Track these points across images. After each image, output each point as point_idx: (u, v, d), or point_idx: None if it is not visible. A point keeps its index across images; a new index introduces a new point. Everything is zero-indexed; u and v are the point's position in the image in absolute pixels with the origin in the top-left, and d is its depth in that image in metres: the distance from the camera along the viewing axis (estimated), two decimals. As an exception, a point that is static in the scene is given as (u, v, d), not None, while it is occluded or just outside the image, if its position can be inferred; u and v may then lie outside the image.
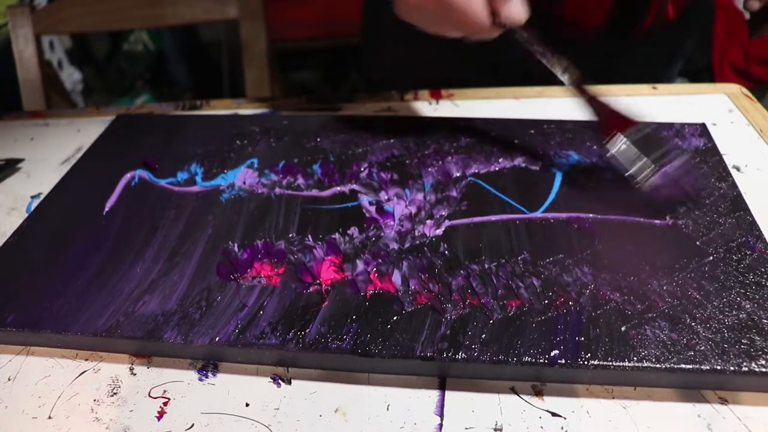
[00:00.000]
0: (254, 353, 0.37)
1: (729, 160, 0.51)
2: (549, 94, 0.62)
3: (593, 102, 0.47)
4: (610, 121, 0.46)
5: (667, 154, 0.44)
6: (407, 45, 0.69)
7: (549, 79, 0.47)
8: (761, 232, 0.42)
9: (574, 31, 0.65)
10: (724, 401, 0.34)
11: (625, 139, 0.45)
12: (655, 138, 0.45)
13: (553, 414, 0.34)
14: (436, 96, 0.63)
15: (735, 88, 0.61)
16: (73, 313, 0.39)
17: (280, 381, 0.36)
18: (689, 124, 0.53)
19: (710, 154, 0.50)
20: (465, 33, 0.43)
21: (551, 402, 0.34)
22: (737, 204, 0.44)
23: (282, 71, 1.75)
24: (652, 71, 0.70)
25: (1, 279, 0.42)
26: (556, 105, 0.60)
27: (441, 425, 0.33)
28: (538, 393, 0.35)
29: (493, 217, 0.44)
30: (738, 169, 0.50)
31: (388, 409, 0.35)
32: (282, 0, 1.62)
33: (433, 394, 0.35)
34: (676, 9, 0.63)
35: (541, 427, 0.33)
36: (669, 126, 0.53)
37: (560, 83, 0.47)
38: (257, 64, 0.98)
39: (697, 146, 0.51)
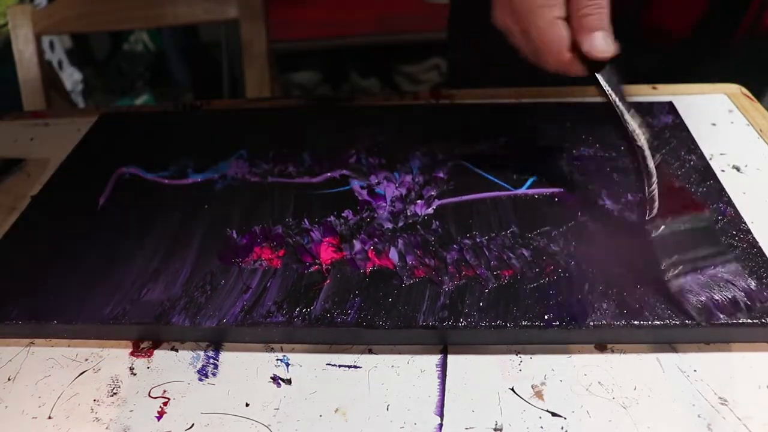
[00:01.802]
0: (262, 331, 0.38)
1: (729, 160, 0.51)
2: (549, 94, 0.62)
3: (659, 172, 0.39)
4: (667, 200, 0.39)
5: (712, 257, 0.37)
6: (494, 40, 0.68)
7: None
8: (730, 198, 0.45)
9: (658, 37, 0.62)
10: (724, 401, 0.34)
11: (671, 226, 0.38)
12: (708, 234, 0.39)
13: (553, 414, 0.34)
14: (436, 96, 0.63)
15: (735, 88, 0.61)
16: (79, 304, 0.39)
17: (280, 381, 0.36)
18: (657, 102, 0.56)
19: (679, 129, 0.53)
20: (545, 63, 0.39)
21: (551, 402, 0.34)
22: (707, 174, 0.47)
23: (282, 71, 1.75)
24: (747, 83, 0.65)
25: (2, 274, 0.43)
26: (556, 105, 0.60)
27: (441, 425, 0.33)
28: (538, 393, 0.35)
29: (481, 195, 0.46)
30: (738, 169, 0.50)
31: (388, 409, 0.35)
32: (282, 0, 1.62)
33: (433, 394, 0.35)
34: None
35: (541, 427, 0.33)
36: (638, 104, 0.55)
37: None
38: (257, 64, 0.98)
39: (666, 123, 0.54)
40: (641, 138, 0.39)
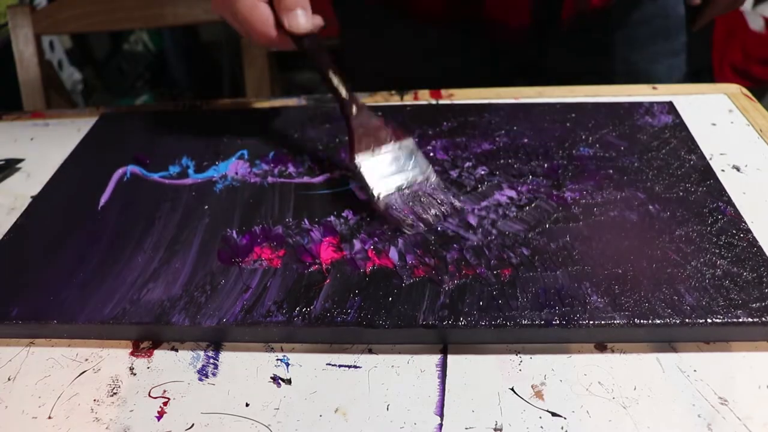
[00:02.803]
0: (262, 331, 0.38)
1: (729, 160, 0.51)
2: (549, 94, 0.62)
3: (362, 115, 0.46)
4: (370, 136, 0.45)
5: (414, 176, 0.44)
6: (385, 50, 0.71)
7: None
8: (730, 198, 0.45)
9: (501, 31, 0.66)
10: (724, 401, 0.34)
11: (375, 156, 0.45)
12: (410, 157, 0.45)
13: (553, 414, 0.34)
14: (436, 96, 0.63)
15: (735, 88, 0.61)
16: (79, 304, 0.39)
17: (280, 381, 0.36)
18: (658, 102, 0.56)
19: (678, 129, 0.53)
20: (257, 42, 0.44)
21: (551, 402, 0.34)
22: (707, 174, 0.47)
23: (282, 71, 1.75)
24: (621, 62, 0.70)
25: (2, 274, 0.43)
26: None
27: (441, 425, 0.33)
28: (538, 393, 0.35)
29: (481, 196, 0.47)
30: (738, 169, 0.50)
31: (388, 409, 0.35)
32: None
33: (433, 394, 0.35)
34: None
35: (541, 427, 0.33)
36: (639, 104, 0.56)
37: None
38: (257, 64, 0.98)
39: (666, 123, 0.53)
40: (341, 89, 0.46)
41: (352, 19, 0.77)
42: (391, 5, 0.69)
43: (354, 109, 0.46)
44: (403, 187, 0.44)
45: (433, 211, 0.43)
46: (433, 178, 0.45)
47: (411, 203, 0.43)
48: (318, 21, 0.45)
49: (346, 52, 0.82)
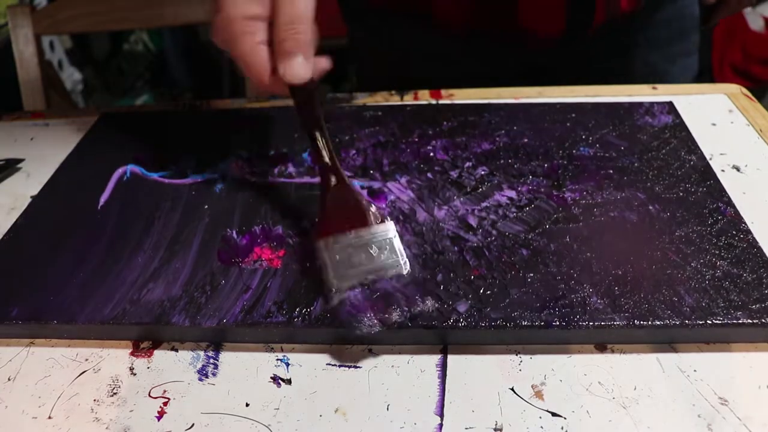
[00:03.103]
0: (262, 331, 0.38)
1: (729, 160, 0.51)
2: (549, 94, 0.62)
3: (340, 189, 0.41)
4: (342, 218, 0.40)
5: (380, 270, 0.38)
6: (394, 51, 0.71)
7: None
8: (730, 198, 0.45)
9: (532, 39, 0.66)
10: (724, 401, 0.34)
11: (342, 242, 0.39)
12: (383, 248, 0.39)
13: (553, 414, 0.34)
14: (436, 96, 0.63)
15: (735, 88, 0.61)
16: (79, 304, 0.39)
17: (280, 381, 0.36)
18: (658, 102, 0.56)
19: (679, 129, 0.53)
20: (255, 83, 0.40)
21: (551, 402, 0.34)
22: (707, 174, 0.47)
23: (282, 71, 1.75)
24: (641, 64, 0.70)
25: (2, 274, 0.43)
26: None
27: (441, 425, 0.33)
28: (538, 393, 0.35)
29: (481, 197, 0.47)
30: (738, 169, 0.50)
31: (388, 409, 0.35)
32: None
33: (433, 394, 0.35)
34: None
35: (541, 427, 0.33)
36: (639, 104, 0.56)
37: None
38: (257, 64, 0.97)
39: (666, 123, 0.53)
40: (324, 154, 0.42)
41: (360, 20, 0.76)
42: (414, 13, 0.67)
43: (333, 180, 0.41)
44: (368, 281, 0.38)
45: (396, 313, 0.36)
46: (405, 271, 0.38)
47: (373, 300, 0.37)
48: (322, 64, 0.41)
49: (354, 53, 0.81)
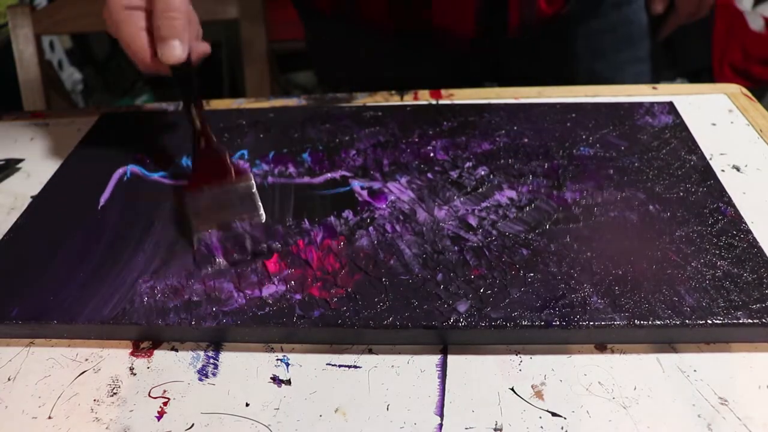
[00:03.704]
0: (262, 332, 0.38)
1: (729, 160, 0.51)
2: (549, 94, 0.62)
3: (208, 150, 0.47)
4: (208, 173, 0.45)
5: (239, 216, 0.43)
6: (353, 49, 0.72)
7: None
8: (730, 198, 0.45)
9: (448, 39, 0.67)
10: (724, 401, 0.34)
11: (208, 193, 0.44)
12: (244, 199, 0.44)
13: (553, 414, 0.34)
14: (436, 96, 0.63)
15: (735, 88, 0.61)
16: (79, 304, 0.39)
17: (280, 381, 0.36)
18: (658, 103, 0.56)
19: (679, 129, 0.53)
20: (138, 66, 0.45)
21: (551, 402, 0.34)
22: (707, 174, 0.47)
23: (282, 71, 1.75)
24: (584, 72, 0.70)
25: (2, 274, 0.43)
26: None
27: (441, 425, 0.33)
28: (538, 393, 0.35)
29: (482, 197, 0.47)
30: (738, 169, 0.50)
31: (388, 409, 0.35)
32: (282, 0, 1.62)
33: (433, 394, 0.35)
34: (551, 2, 0.63)
35: (541, 427, 0.33)
36: (639, 104, 0.56)
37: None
38: (257, 64, 0.98)
39: (666, 123, 0.53)
40: (196, 122, 0.48)
41: (313, 25, 0.78)
42: (342, 16, 0.70)
43: (202, 143, 0.47)
44: (225, 225, 0.42)
45: (243, 251, 0.42)
46: (261, 220, 0.43)
47: (225, 241, 0.42)
48: (202, 48, 0.48)
49: (311, 55, 0.83)
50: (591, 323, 0.36)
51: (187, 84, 0.47)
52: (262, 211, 0.44)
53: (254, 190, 0.44)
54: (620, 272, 0.39)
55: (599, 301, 0.37)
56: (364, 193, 0.47)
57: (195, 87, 0.48)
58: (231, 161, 0.46)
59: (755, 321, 0.35)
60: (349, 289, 0.39)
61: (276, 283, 0.40)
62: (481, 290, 0.38)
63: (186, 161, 0.53)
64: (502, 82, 0.70)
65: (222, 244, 0.42)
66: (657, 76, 0.74)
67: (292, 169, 0.51)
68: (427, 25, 0.65)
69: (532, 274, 0.39)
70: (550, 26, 0.66)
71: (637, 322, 0.36)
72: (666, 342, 0.37)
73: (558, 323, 0.36)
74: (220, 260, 0.41)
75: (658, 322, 0.36)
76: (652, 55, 0.73)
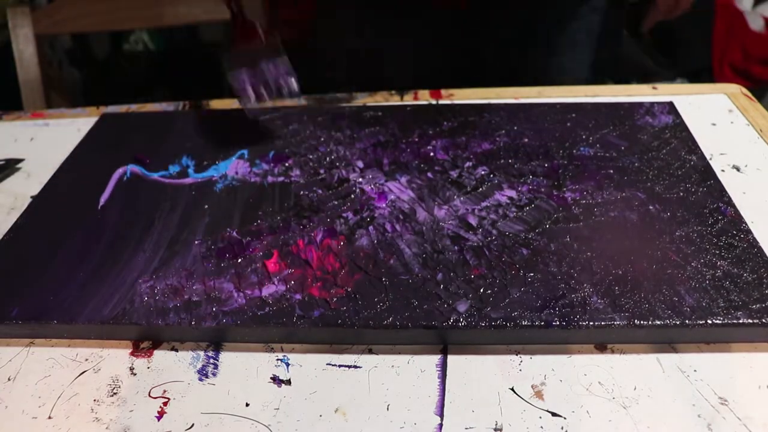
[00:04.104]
0: (262, 331, 0.38)
1: (729, 160, 0.51)
2: (549, 94, 0.62)
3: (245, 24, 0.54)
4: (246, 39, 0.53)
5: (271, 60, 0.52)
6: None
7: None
8: (731, 198, 0.45)
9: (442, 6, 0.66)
10: (724, 401, 0.34)
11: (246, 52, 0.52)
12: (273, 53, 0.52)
13: (553, 414, 0.34)
14: (436, 96, 0.63)
15: (735, 88, 0.61)
16: (79, 304, 0.39)
17: (280, 381, 0.36)
18: (658, 103, 0.56)
19: (679, 129, 0.53)
20: None
21: (551, 402, 0.34)
22: (707, 174, 0.47)
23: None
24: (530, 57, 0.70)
25: (2, 274, 0.43)
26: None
27: (441, 425, 0.33)
28: (538, 393, 0.35)
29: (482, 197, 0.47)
30: (738, 169, 0.50)
31: (388, 409, 0.35)
32: (280, 0, 1.62)
33: (433, 394, 0.35)
34: None
35: (541, 427, 0.33)
36: (639, 104, 0.56)
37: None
38: (257, 64, 0.97)
39: (666, 123, 0.53)
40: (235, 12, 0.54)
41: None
42: None
43: (239, 18, 0.54)
44: (255, 63, 0.51)
45: (267, 89, 0.51)
46: (286, 62, 0.52)
47: (254, 79, 0.51)
48: None
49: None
50: (591, 323, 0.36)
51: None
52: (286, 57, 0.52)
53: (281, 49, 0.52)
54: (620, 272, 0.39)
55: (599, 301, 0.37)
56: (366, 191, 0.47)
57: None
58: (262, 29, 0.53)
59: (755, 321, 0.35)
60: (349, 289, 0.39)
61: (276, 283, 0.40)
62: (481, 290, 0.38)
63: (186, 161, 0.53)
64: (483, 71, 0.71)
65: (251, 80, 0.50)
66: (700, 70, 0.74)
67: (292, 169, 0.51)
68: None
69: (532, 274, 0.39)
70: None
71: (637, 322, 0.36)
72: (666, 342, 0.37)
73: (558, 323, 0.36)
74: (250, 95, 0.50)
75: (658, 322, 0.36)
76: (594, 40, 0.73)
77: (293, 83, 0.51)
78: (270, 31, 0.54)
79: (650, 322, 0.36)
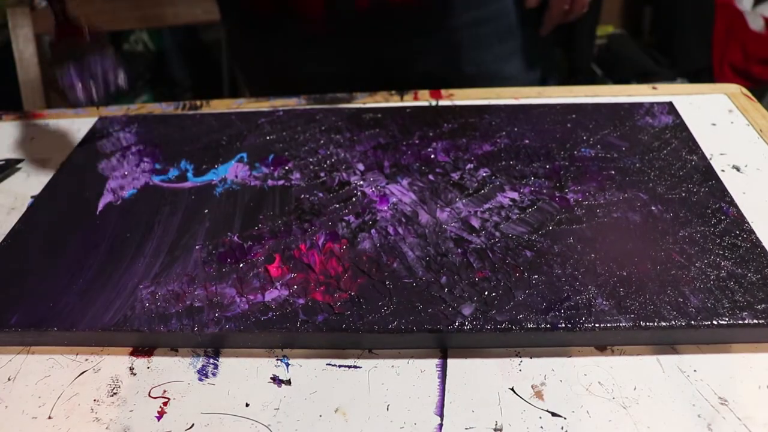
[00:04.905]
0: (263, 337, 0.37)
1: (729, 160, 0.51)
2: (549, 94, 0.62)
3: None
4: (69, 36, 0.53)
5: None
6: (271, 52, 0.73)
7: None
8: (732, 198, 0.44)
9: (305, 24, 0.67)
10: (724, 401, 0.34)
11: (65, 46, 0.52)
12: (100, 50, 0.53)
13: (553, 414, 0.34)
14: (436, 96, 0.63)
15: (735, 88, 0.61)
16: (79, 311, 0.39)
17: (280, 381, 0.36)
18: (658, 103, 0.56)
19: (680, 129, 0.53)
20: None
21: (551, 402, 0.34)
22: (708, 174, 0.47)
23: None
24: (470, 62, 0.70)
25: (1, 280, 0.42)
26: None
27: (441, 425, 0.33)
28: (538, 393, 0.35)
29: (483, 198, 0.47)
30: (738, 169, 0.50)
31: (388, 409, 0.35)
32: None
33: (433, 394, 0.35)
34: None
35: (541, 427, 0.33)
36: (639, 105, 0.56)
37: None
38: (257, 64, 0.97)
39: (666, 123, 0.53)
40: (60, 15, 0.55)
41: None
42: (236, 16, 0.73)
43: (60, 17, 0.55)
44: (81, 58, 0.51)
45: (95, 83, 0.51)
46: (112, 57, 0.53)
47: (81, 73, 0.51)
48: None
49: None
50: (597, 325, 0.36)
51: None
52: (112, 50, 0.53)
53: (108, 46, 0.53)
54: (624, 273, 0.39)
55: (604, 302, 0.37)
56: (368, 193, 0.47)
57: None
58: (87, 27, 0.54)
59: (760, 321, 0.35)
60: (353, 293, 0.39)
61: (278, 287, 0.40)
62: (486, 293, 0.38)
63: (185, 164, 0.52)
64: (394, 77, 0.70)
65: (78, 74, 0.50)
66: (544, 70, 0.75)
67: (292, 172, 0.50)
68: (280, 7, 0.66)
69: (536, 276, 0.39)
70: (421, 16, 0.65)
71: (642, 323, 0.36)
72: (670, 343, 0.37)
73: (564, 326, 0.36)
74: (78, 90, 0.50)
75: (664, 324, 0.35)
76: (534, 50, 0.73)
77: (121, 76, 0.52)
78: (94, 27, 0.55)
79: (656, 324, 0.36)
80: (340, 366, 0.37)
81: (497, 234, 0.43)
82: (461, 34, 0.68)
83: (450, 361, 0.37)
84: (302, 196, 0.48)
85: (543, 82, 0.77)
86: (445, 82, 0.65)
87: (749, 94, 0.60)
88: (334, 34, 0.68)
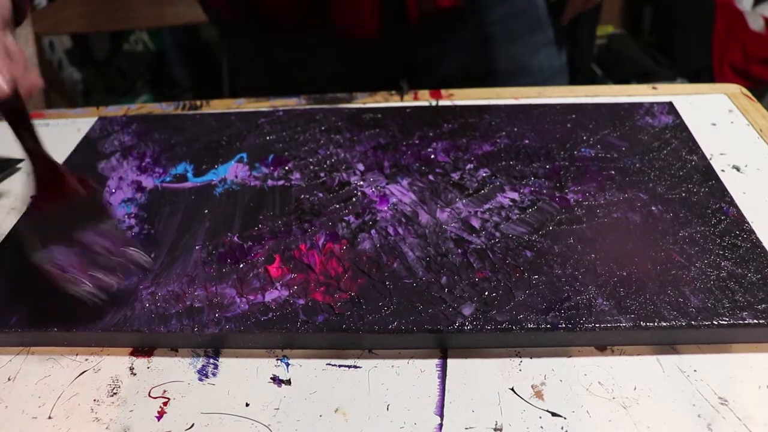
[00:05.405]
0: (263, 337, 0.37)
1: (729, 160, 0.51)
2: (548, 94, 0.62)
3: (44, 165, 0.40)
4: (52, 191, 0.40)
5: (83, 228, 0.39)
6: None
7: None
8: (732, 198, 0.44)
9: (351, 35, 0.67)
10: (724, 401, 0.34)
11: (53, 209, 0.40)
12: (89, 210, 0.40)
13: (553, 414, 0.34)
14: (436, 96, 0.63)
15: (735, 88, 0.61)
16: (79, 311, 0.39)
17: (280, 381, 0.36)
18: (658, 103, 0.56)
19: (679, 129, 0.53)
20: None
21: (551, 402, 0.34)
22: (708, 174, 0.47)
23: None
24: (504, 56, 0.71)
25: (1, 281, 0.42)
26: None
27: (441, 425, 0.33)
28: (538, 393, 0.35)
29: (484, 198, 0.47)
30: (738, 169, 0.50)
31: (388, 409, 0.35)
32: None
33: (433, 394, 0.35)
34: None
35: (541, 427, 0.33)
36: (639, 105, 0.56)
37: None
38: (257, 64, 0.97)
39: (666, 123, 0.53)
40: (35, 155, 0.39)
41: (222, 30, 0.79)
42: (245, 17, 0.71)
43: (39, 168, 0.40)
44: (74, 237, 0.39)
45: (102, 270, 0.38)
46: (113, 224, 0.41)
47: (86, 262, 0.38)
48: (31, 80, 0.39)
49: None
50: (597, 325, 0.36)
51: (16, 116, 0.40)
52: (114, 221, 0.41)
53: (105, 199, 0.41)
54: (624, 273, 0.39)
55: (604, 302, 0.37)
56: (368, 194, 0.47)
57: (26, 117, 0.40)
58: (76, 177, 0.41)
59: (761, 321, 0.35)
60: (353, 294, 0.39)
61: (279, 288, 0.40)
62: (486, 293, 0.38)
63: (185, 166, 0.52)
64: (420, 76, 0.71)
65: (76, 263, 0.38)
66: (565, 59, 0.76)
67: (292, 173, 0.50)
68: (327, 22, 0.66)
69: (536, 277, 0.39)
70: (457, 15, 0.66)
71: (642, 323, 0.36)
72: (671, 343, 0.37)
73: (564, 326, 0.36)
74: (84, 284, 0.37)
75: (664, 324, 0.36)
76: (558, 40, 0.74)
77: (136, 254, 0.39)
78: (85, 179, 0.41)
79: (656, 324, 0.36)
80: (340, 366, 0.37)
81: (497, 234, 0.43)
82: (494, 28, 0.69)
83: (450, 361, 0.37)
84: (302, 196, 0.48)
85: (571, 72, 0.78)
86: (475, 79, 0.65)
87: (749, 94, 0.60)
88: (381, 43, 0.68)
